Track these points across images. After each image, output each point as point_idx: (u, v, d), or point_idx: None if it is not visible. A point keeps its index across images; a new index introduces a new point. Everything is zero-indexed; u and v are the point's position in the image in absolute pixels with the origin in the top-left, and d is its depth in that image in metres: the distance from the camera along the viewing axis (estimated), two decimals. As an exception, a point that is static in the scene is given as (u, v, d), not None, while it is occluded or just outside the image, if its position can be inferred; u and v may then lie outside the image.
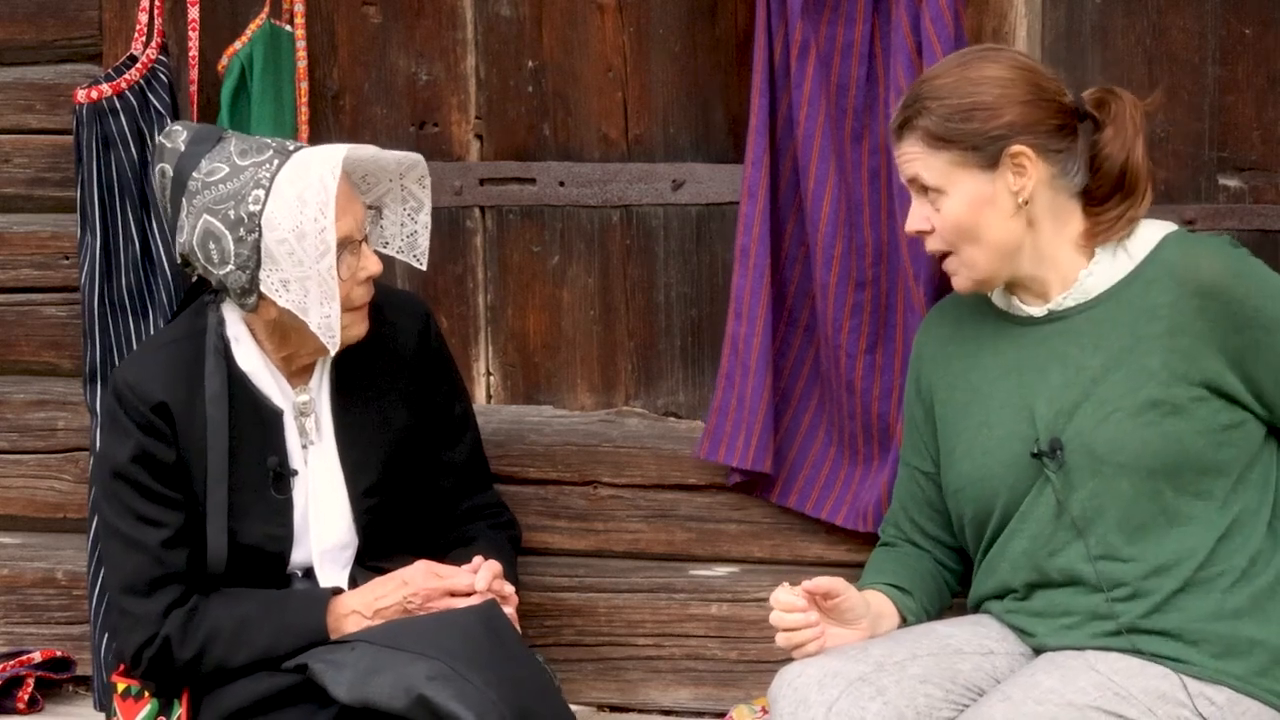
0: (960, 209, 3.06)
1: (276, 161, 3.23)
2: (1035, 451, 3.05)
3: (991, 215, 3.06)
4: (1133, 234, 3.12)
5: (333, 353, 3.26)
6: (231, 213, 3.21)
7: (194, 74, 3.90)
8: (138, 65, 3.90)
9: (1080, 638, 3.03)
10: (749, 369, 3.63)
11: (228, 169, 3.23)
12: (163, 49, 3.92)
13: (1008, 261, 3.10)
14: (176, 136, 3.30)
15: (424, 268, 3.44)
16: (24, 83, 4.10)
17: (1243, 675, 2.96)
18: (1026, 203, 3.05)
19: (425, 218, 3.42)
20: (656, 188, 3.81)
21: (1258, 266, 3.08)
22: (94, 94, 3.88)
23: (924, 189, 3.08)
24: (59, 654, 4.13)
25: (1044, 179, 3.06)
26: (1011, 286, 3.17)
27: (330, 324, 3.21)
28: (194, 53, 3.89)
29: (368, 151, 3.30)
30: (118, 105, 3.88)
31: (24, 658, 4.10)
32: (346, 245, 3.24)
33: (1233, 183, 3.53)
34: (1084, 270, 3.10)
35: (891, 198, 3.53)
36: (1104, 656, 2.98)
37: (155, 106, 3.89)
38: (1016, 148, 3.03)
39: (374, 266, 3.30)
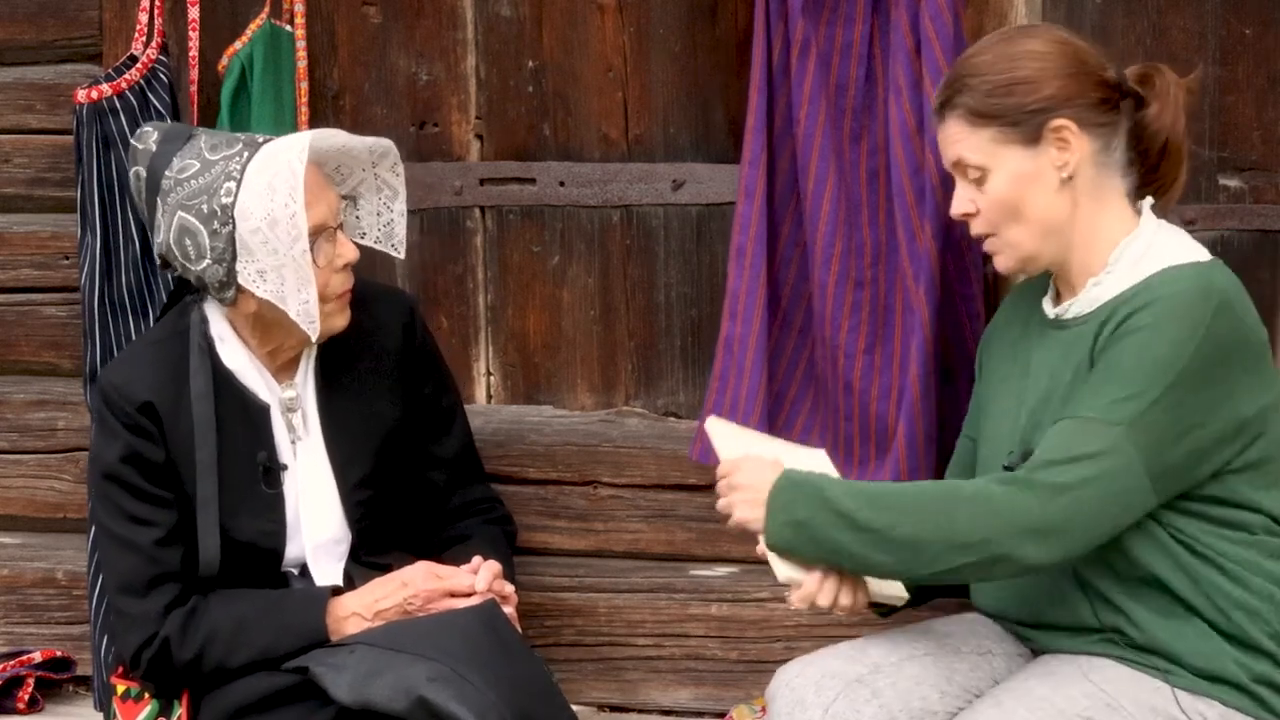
0: (1004, 186, 3.00)
1: (246, 154, 3.23)
2: (1006, 465, 3.00)
3: (1035, 192, 3.00)
4: (1153, 250, 3.02)
5: (314, 339, 3.26)
6: (204, 207, 3.21)
7: (194, 74, 3.90)
8: (138, 65, 3.90)
9: (1076, 644, 2.99)
10: (743, 370, 3.63)
11: (199, 165, 3.24)
12: (163, 49, 3.92)
13: (1052, 240, 3.03)
14: (147, 138, 3.31)
15: (402, 256, 3.45)
16: (24, 83, 4.11)
17: (1235, 689, 2.92)
18: (1070, 178, 3.00)
19: (401, 205, 3.42)
20: (656, 188, 3.81)
21: (1215, 329, 2.90)
22: (94, 94, 3.88)
23: (967, 170, 3.03)
24: (59, 654, 4.13)
25: (1088, 154, 3.00)
26: (1055, 279, 3.11)
27: (309, 310, 3.21)
28: (194, 53, 3.89)
29: (337, 139, 3.30)
30: (118, 105, 3.88)
31: (24, 658, 4.10)
32: (322, 233, 3.25)
33: (1233, 183, 3.53)
34: (1092, 279, 3.02)
35: (890, 199, 3.53)
36: (1098, 664, 2.95)
37: (155, 106, 3.89)
38: (1058, 121, 2.97)
39: (350, 254, 3.30)
